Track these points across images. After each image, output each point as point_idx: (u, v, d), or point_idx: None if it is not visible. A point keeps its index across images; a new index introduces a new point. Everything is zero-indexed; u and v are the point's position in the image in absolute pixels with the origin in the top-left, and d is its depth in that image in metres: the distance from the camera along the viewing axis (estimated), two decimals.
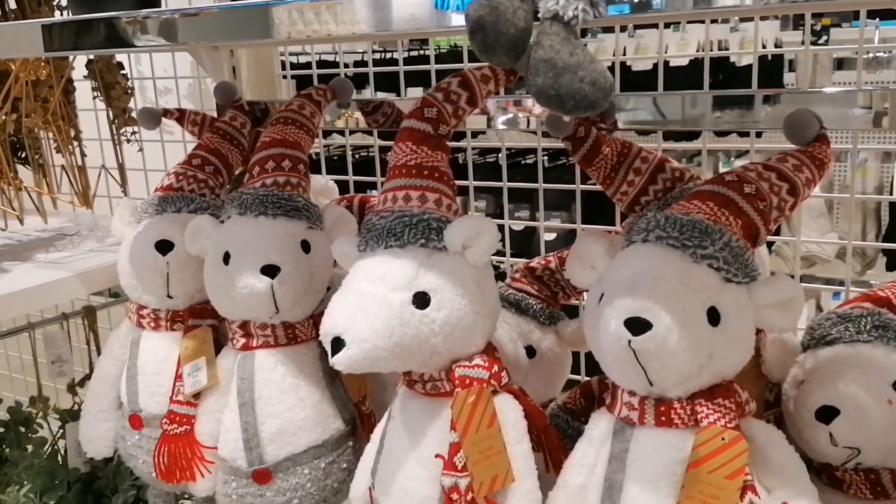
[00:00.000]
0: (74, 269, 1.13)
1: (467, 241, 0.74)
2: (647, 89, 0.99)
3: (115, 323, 1.09)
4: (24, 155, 1.41)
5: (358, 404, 0.97)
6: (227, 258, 0.89)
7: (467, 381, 0.72)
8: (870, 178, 2.62)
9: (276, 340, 0.91)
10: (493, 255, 0.79)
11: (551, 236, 2.26)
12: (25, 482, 1.17)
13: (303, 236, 0.91)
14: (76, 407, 1.24)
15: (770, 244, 2.21)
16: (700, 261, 0.66)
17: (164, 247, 0.98)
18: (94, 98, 1.41)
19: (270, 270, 0.87)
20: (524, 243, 2.12)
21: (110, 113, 1.39)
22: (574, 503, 0.71)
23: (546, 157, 2.47)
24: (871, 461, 0.72)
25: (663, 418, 0.66)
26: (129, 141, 1.40)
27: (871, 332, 0.74)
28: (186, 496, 1.22)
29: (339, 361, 0.68)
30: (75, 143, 1.38)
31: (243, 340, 0.92)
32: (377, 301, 0.71)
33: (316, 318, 0.92)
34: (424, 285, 0.72)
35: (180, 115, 1.17)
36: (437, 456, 0.71)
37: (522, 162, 2.49)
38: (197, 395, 0.96)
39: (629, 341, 0.62)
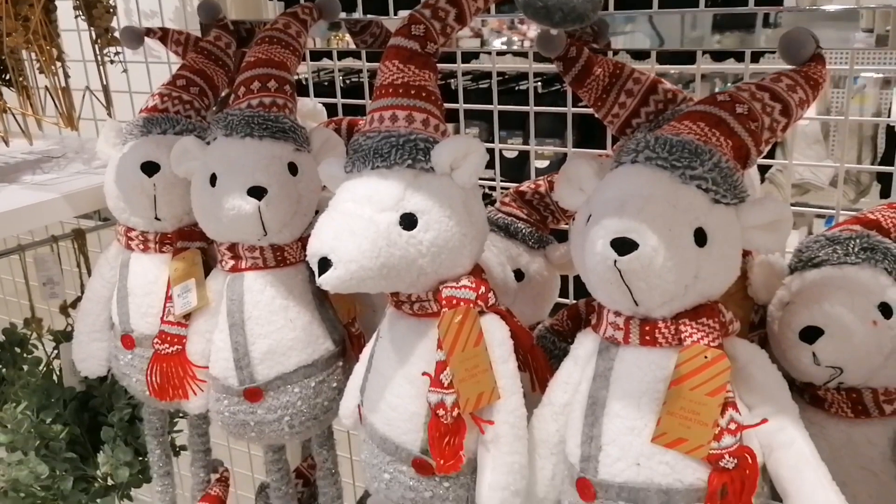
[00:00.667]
0: (62, 191, 1.12)
1: (455, 161, 0.73)
2: (643, 7, 0.97)
3: (105, 247, 1.09)
4: (7, 77, 1.38)
5: (347, 326, 0.98)
6: (213, 180, 0.88)
7: (454, 302, 0.72)
8: (868, 105, 2.59)
9: (265, 263, 0.91)
10: (484, 179, 0.79)
11: (543, 164, 2.24)
12: (22, 400, 1.19)
13: (290, 158, 0.90)
14: (69, 328, 1.25)
15: (763, 170, 2.20)
16: (689, 182, 0.65)
17: (150, 168, 0.97)
18: (76, 17, 1.37)
19: (257, 192, 0.86)
20: (516, 172, 2.10)
21: (93, 33, 1.35)
22: (559, 420, 0.72)
23: (539, 83, 2.43)
24: (853, 380, 0.73)
25: (647, 338, 0.66)
26: (112, 62, 1.36)
27: (858, 255, 0.74)
28: (181, 414, 1.24)
29: (325, 281, 0.69)
30: (58, 64, 1.35)
31: (232, 262, 0.92)
32: (364, 222, 0.70)
33: (304, 241, 0.90)
34: (412, 206, 0.72)
35: (163, 35, 1.14)
36: (423, 374, 0.72)
37: (516, 88, 2.45)
38: (187, 316, 0.96)
39: (615, 261, 0.62)
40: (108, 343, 1.07)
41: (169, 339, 0.96)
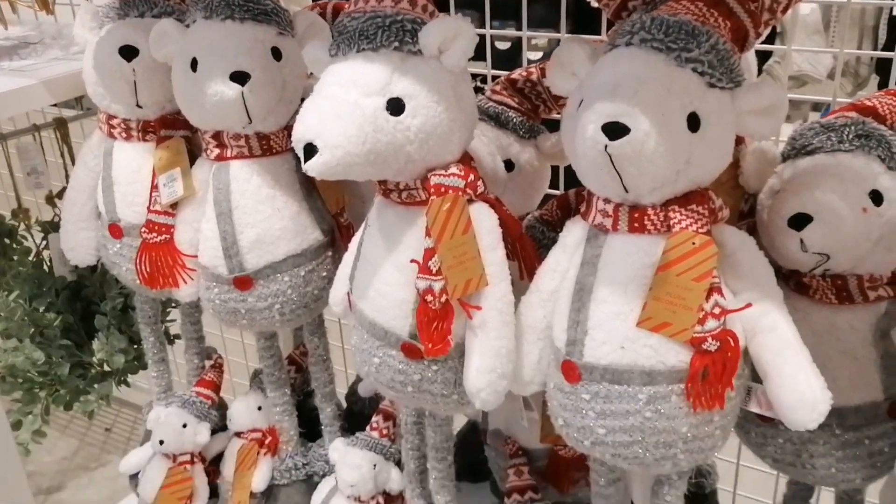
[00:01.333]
0: (40, 77, 1.08)
1: (443, 43, 0.70)
2: None
3: (88, 136, 1.07)
4: None
5: (336, 216, 0.97)
6: (194, 65, 0.85)
7: (442, 189, 0.72)
8: None
9: (251, 151, 0.90)
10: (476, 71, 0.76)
11: (537, 56, 2.18)
12: (14, 289, 1.20)
13: (273, 42, 0.87)
14: (56, 218, 1.24)
15: (762, 61, 2.16)
16: (684, 64, 0.63)
17: (128, 52, 0.94)
18: None
19: (240, 77, 0.83)
20: (508, 64, 2.05)
21: None
22: (546, 307, 0.73)
23: None
24: (839, 267, 0.73)
25: (636, 224, 0.66)
26: None
27: (853, 142, 0.73)
28: (173, 304, 1.25)
29: (311, 167, 0.67)
30: None
31: (217, 151, 0.91)
32: (350, 106, 0.68)
33: (290, 129, 0.89)
34: (399, 91, 0.70)
35: None
36: (412, 261, 0.72)
37: None
38: (174, 206, 0.96)
39: (606, 146, 0.61)
40: (96, 232, 1.06)
41: (156, 228, 0.96)
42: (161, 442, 1.08)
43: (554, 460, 0.95)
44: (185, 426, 1.10)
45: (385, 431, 1.05)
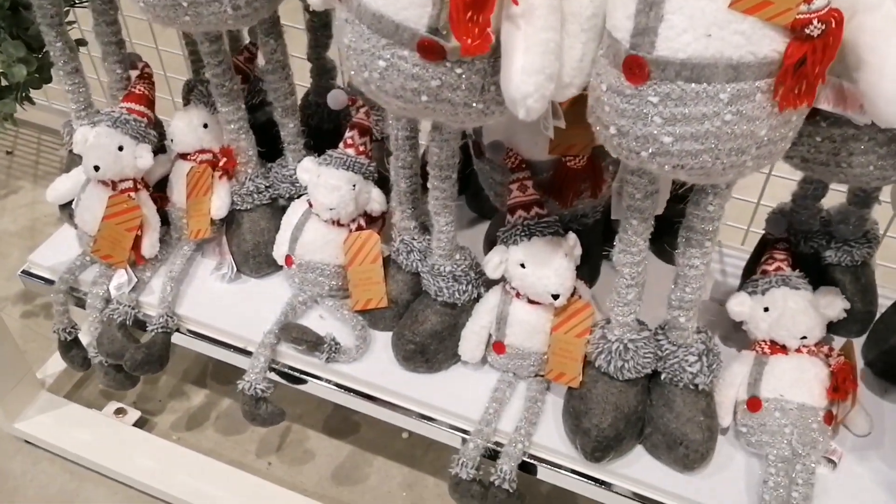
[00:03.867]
0: None
1: None
2: None
3: None
4: None
5: None
6: None
7: None
8: None
9: None
10: None
11: None
12: None
13: None
14: None
15: None
16: None
17: None
18: None
19: None
20: None
21: None
22: None
23: None
24: None
25: None
26: None
27: None
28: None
29: None
30: None
31: None
32: None
33: None
34: None
35: None
36: None
37: None
38: None
39: None
40: None
41: None
42: (96, 168, 0.92)
43: (561, 172, 0.85)
44: (121, 149, 0.93)
45: (362, 148, 0.92)
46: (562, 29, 0.60)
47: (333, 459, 1.13)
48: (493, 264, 0.83)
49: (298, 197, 0.99)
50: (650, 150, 0.59)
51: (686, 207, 0.72)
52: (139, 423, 1.15)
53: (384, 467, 1.12)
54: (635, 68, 0.56)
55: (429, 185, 0.81)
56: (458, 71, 0.61)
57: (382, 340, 0.93)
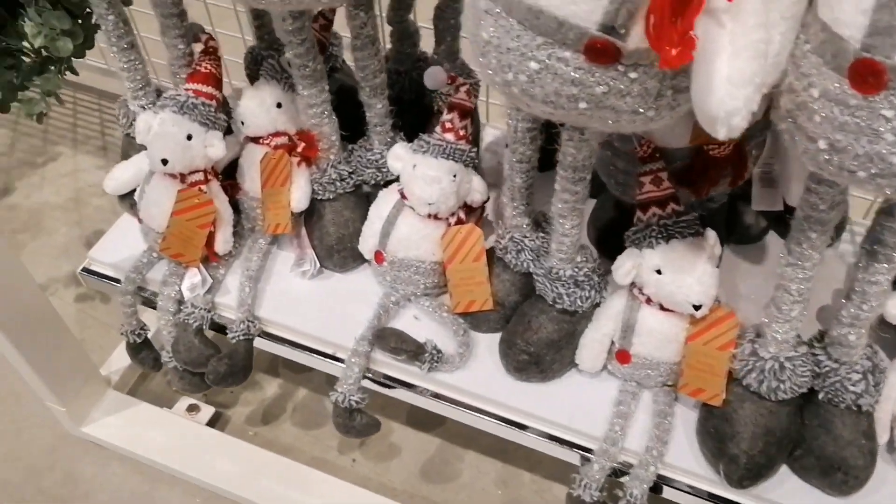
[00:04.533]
0: None
1: None
2: None
3: None
4: None
5: None
6: None
7: None
8: None
9: None
10: None
11: None
12: None
13: None
14: None
15: None
16: None
17: None
18: None
19: None
20: None
21: None
22: None
23: None
24: None
25: None
26: None
27: None
28: None
29: None
30: None
31: None
32: None
33: None
34: None
35: None
36: None
37: None
38: None
39: None
40: None
41: None
42: (164, 161, 0.82)
43: (701, 161, 0.74)
44: (189, 137, 0.83)
45: (462, 133, 0.81)
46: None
47: (421, 454, 1.06)
48: (625, 270, 0.73)
49: (385, 184, 0.89)
50: (872, 171, 0.49)
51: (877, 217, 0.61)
52: (213, 420, 1.08)
53: (476, 462, 1.05)
54: (868, 75, 0.45)
55: (557, 186, 0.70)
56: (633, 75, 0.50)
57: (485, 343, 0.85)
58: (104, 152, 1.45)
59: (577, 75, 0.50)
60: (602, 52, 0.48)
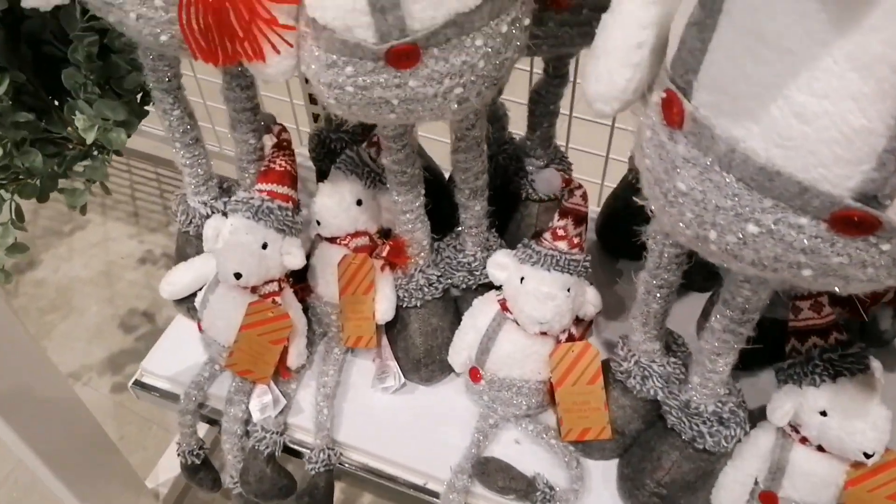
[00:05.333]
0: None
1: None
2: None
3: None
4: None
5: None
6: None
7: None
8: None
9: None
10: None
11: None
12: None
13: None
14: None
15: None
16: None
17: None
18: None
19: None
20: None
21: None
22: None
23: None
24: None
25: None
26: None
27: None
28: None
29: None
30: None
31: None
32: None
33: None
34: None
35: None
36: None
37: None
38: None
39: None
40: None
41: None
42: (237, 275, 0.72)
43: None
44: (265, 246, 0.73)
45: (576, 240, 0.71)
46: None
47: None
48: (784, 412, 0.63)
49: (476, 288, 0.79)
50: None
51: None
52: None
53: None
54: None
55: (716, 324, 0.60)
56: (885, 247, 0.40)
57: (599, 472, 0.75)
58: (136, 219, 1.35)
59: (811, 244, 0.41)
60: (857, 224, 0.39)
